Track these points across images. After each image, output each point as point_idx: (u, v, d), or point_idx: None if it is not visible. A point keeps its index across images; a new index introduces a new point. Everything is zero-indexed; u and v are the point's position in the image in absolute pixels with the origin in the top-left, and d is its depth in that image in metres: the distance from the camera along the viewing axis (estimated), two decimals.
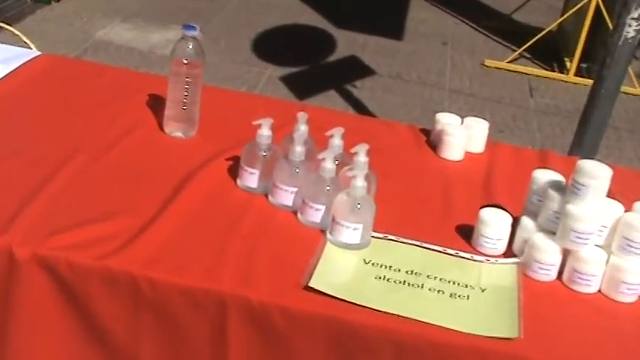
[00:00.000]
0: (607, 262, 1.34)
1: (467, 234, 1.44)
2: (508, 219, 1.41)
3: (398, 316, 1.21)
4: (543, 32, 4.41)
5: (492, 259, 1.39)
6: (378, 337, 1.19)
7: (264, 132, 1.44)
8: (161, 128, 1.64)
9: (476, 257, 1.39)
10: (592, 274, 1.33)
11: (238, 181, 1.49)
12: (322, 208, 1.38)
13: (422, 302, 1.25)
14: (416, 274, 1.31)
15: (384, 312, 1.21)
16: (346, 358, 1.20)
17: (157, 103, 1.69)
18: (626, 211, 1.38)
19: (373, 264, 1.32)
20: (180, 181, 1.46)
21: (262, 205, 1.44)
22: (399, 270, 1.31)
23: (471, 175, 1.68)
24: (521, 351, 1.18)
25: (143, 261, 1.24)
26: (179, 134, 1.63)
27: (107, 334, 1.25)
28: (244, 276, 1.24)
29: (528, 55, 4.52)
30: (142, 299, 1.22)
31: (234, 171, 1.50)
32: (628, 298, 1.33)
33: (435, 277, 1.31)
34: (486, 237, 1.40)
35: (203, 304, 1.21)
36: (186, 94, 1.58)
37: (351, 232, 1.34)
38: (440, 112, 1.83)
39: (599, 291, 1.35)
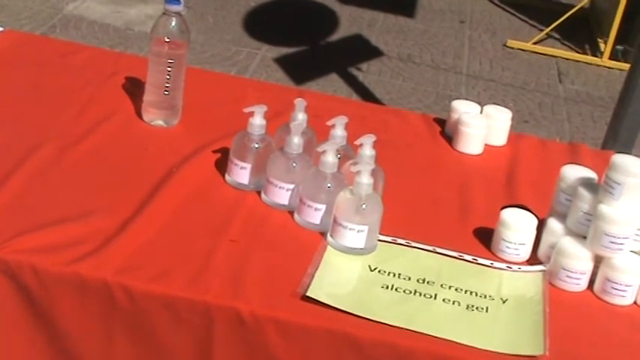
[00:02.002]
0: None
1: (486, 238, 1.44)
2: (533, 221, 1.42)
3: (407, 330, 1.21)
4: (574, 9, 4.40)
5: (515, 267, 1.39)
6: (384, 355, 1.19)
7: (257, 121, 1.45)
8: (139, 116, 1.64)
9: (496, 264, 1.39)
10: (627, 284, 1.34)
11: (227, 177, 1.49)
12: (322, 207, 1.38)
13: (435, 315, 1.25)
14: (428, 282, 1.32)
15: (392, 326, 1.21)
16: None
17: (135, 88, 1.70)
18: None
19: (380, 271, 1.32)
20: (161, 176, 1.46)
21: (254, 204, 1.44)
22: (409, 278, 1.32)
23: (491, 171, 1.69)
24: None
25: (119, 267, 1.24)
26: (160, 123, 1.63)
27: (76, 349, 1.25)
28: (234, 285, 1.24)
29: (557, 36, 4.53)
30: (116, 310, 1.22)
31: (222, 165, 1.50)
32: None
33: (450, 287, 1.31)
34: (508, 241, 1.40)
35: (186, 316, 1.21)
36: (168, 77, 1.58)
37: (355, 234, 1.34)
38: (456, 99, 1.84)
39: (635, 303, 1.36)
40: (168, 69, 1.57)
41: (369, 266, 1.33)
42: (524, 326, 1.25)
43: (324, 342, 1.21)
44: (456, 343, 1.20)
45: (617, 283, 1.33)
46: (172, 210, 1.38)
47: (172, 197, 1.41)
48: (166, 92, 1.60)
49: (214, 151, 1.55)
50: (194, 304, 1.21)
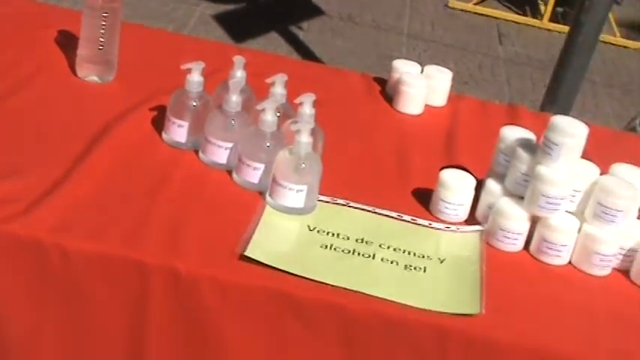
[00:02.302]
0: (579, 230, 1.37)
1: (425, 198, 1.45)
2: (471, 182, 1.42)
3: (346, 289, 1.21)
4: None
5: (453, 227, 1.40)
6: (323, 314, 1.20)
7: (195, 78, 1.43)
8: (73, 71, 1.62)
9: (434, 224, 1.40)
10: (562, 244, 1.36)
11: (164, 135, 1.47)
12: (261, 167, 1.37)
13: (373, 274, 1.25)
14: (367, 242, 1.32)
15: (331, 285, 1.22)
16: (285, 337, 1.21)
17: (67, 42, 1.67)
18: (601, 174, 1.40)
19: (319, 231, 1.33)
20: (95, 133, 1.44)
21: (192, 163, 1.43)
22: (348, 238, 1.32)
23: (430, 131, 1.70)
24: (483, 329, 1.20)
25: (52, 226, 1.22)
26: (94, 78, 1.61)
27: (5, 313, 1.22)
28: (170, 244, 1.23)
29: None
30: (49, 270, 1.20)
31: (159, 123, 1.49)
32: (601, 270, 1.36)
33: (389, 247, 1.32)
34: (447, 202, 1.41)
35: (121, 275, 1.20)
36: (102, 31, 1.56)
37: (294, 194, 1.34)
38: (397, 59, 1.84)
39: (570, 263, 1.38)
40: (103, 23, 1.55)
41: (308, 226, 1.33)
42: (461, 285, 1.26)
43: (263, 302, 1.20)
44: (394, 302, 1.21)
45: (552, 243, 1.35)
46: (108, 168, 1.36)
47: (107, 155, 1.39)
48: (101, 47, 1.57)
49: (151, 109, 1.53)
50: (129, 262, 1.19)
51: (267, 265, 1.22)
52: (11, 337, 1.22)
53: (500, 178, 1.42)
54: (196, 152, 1.45)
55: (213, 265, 1.22)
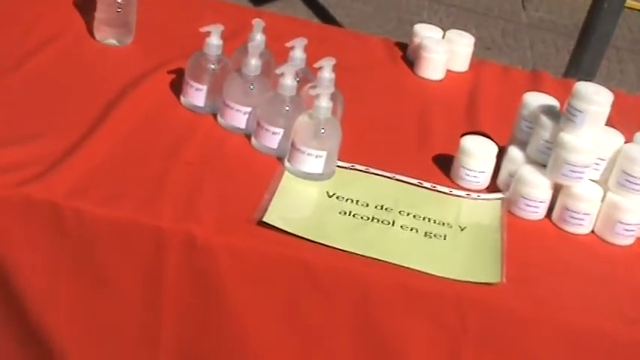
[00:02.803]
0: (603, 199, 1.36)
1: (446, 165, 1.44)
2: (493, 149, 1.41)
3: (364, 257, 1.21)
4: None
5: (474, 195, 1.39)
6: (341, 281, 1.20)
7: (214, 41, 1.42)
8: (91, 34, 1.61)
9: (455, 192, 1.39)
10: (585, 213, 1.35)
11: (182, 99, 1.47)
12: (280, 131, 1.37)
13: (392, 242, 1.25)
14: (386, 209, 1.31)
15: (349, 252, 1.21)
16: (303, 304, 1.21)
17: (86, 5, 1.65)
18: (626, 142, 1.39)
19: (338, 197, 1.32)
20: (113, 97, 1.43)
21: (210, 127, 1.42)
22: (367, 205, 1.31)
23: (452, 97, 1.68)
24: (504, 298, 1.19)
25: (68, 189, 1.21)
26: (112, 41, 1.60)
27: (18, 272, 1.21)
28: (187, 209, 1.22)
29: None
30: (65, 233, 1.19)
31: (177, 86, 1.48)
32: (624, 240, 1.36)
33: (409, 214, 1.31)
34: (468, 169, 1.40)
35: (137, 240, 1.19)
36: None
37: (313, 160, 1.33)
38: (418, 23, 1.82)
39: (593, 232, 1.37)
40: None
41: (327, 192, 1.32)
42: (481, 254, 1.26)
43: (279, 268, 1.20)
44: (414, 270, 1.20)
45: (575, 212, 1.34)
46: (125, 132, 1.36)
47: (125, 119, 1.38)
48: (119, 9, 1.57)
49: (169, 72, 1.52)
50: (145, 227, 1.18)
51: (284, 232, 1.21)
52: (27, 299, 1.21)
53: (523, 145, 1.41)
54: (214, 116, 1.44)
55: (229, 231, 1.20)
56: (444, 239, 1.27)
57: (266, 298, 1.20)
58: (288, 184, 1.32)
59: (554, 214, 1.37)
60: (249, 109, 1.40)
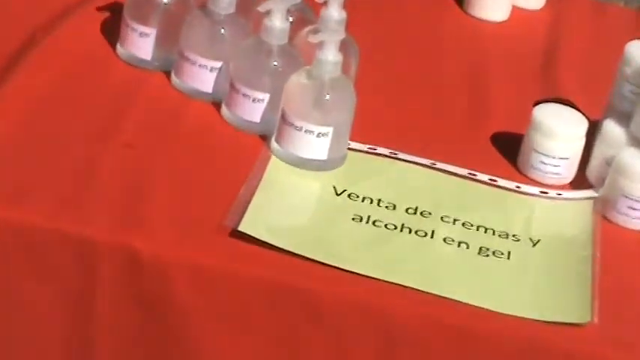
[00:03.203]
0: None
1: (510, 149, 1.38)
2: (581, 124, 1.35)
3: (389, 283, 1.12)
4: None
5: (552, 192, 1.33)
6: (356, 319, 1.12)
7: None
8: None
9: (525, 188, 1.32)
10: None
11: (119, 49, 1.41)
12: (265, 97, 1.29)
13: (431, 262, 1.17)
14: (422, 214, 1.24)
15: (366, 276, 1.12)
16: (300, 350, 1.15)
17: None
18: None
19: (350, 196, 1.24)
20: (16, 47, 1.39)
21: (160, 92, 1.37)
22: (394, 207, 1.24)
23: (519, 46, 1.66)
24: (596, 346, 1.11)
25: None
26: None
27: None
28: (128, 214, 1.15)
29: None
30: None
31: (111, 30, 1.43)
32: None
33: (455, 221, 1.23)
34: (543, 154, 1.32)
35: (55, 256, 1.14)
36: None
37: (313, 140, 1.26)
38: None
39: None
40: None
41: (334, 188, 1.25)
42: (563, 280, 1.18)
43: (263, 300, 1.12)
44: (462, 304, 1.12)
45: None
46: (35, 99, 1.30)
47: (34, 80, 1.33)
48: None
49: (99, 9, 1.47)
50: (67, 239, 1.12)
51: (270, 246, 1.13)
52: None
53: (624, 119, 1.34)
54: (167, 75, 1.38)
55: (189, 245, 1.13)
56: (508, 258, 1.19)
57: (244, 339, 1.15)
58: (276, 175, 1.26)
59: None
60: (218, 65, 1.34)
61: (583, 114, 1.37)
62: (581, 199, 1.32)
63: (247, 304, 1.12)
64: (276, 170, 1.26)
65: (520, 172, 1.34)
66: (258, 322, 1.13)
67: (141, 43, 1.38)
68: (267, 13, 1.27)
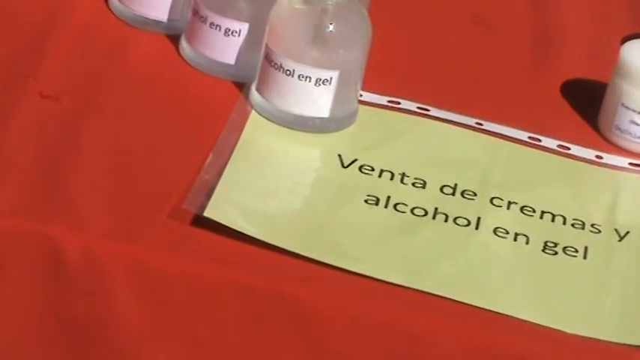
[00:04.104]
0: None
1: (588, 103, 1.37)
2: None
3: (416, 291, 1.11)
4: None
5: None
6: (368, 342, 1.11)
7: None
8: None
9: (609, 158, 1.32)
10: None
11: None
12: (242, 28, 1.28)
13: (475, 263, 1.16)
14: (464, 194, 1.23)
15: (386, 282, 1.11)
16: None
17: None
18: None
19: (362, 168, 1.24)
20: None
21: (95, 19, 1.37)
22: (424, 184, 1.23)
23: None
24: None
25: None
26: None
27: None
28: (52, 193, 1.14)
29: None
30: None
31: None
32: None
33: (511, 204, 1.22)
34: (635, 111, 1.31)
35: None
36: None
37: (310, 89, 1.25)
38: None
39: None
40: None
41: (340, 157, 1.25)
42: None
43: (236, 311, 1.12)
44: (518, 321, 1.10)
45: None
46: None
47: None
48: None
49: None
50: None
51: (247, 238, 1.12)
52: None
53: None
54: None
55: (132, 237, 1.12)
56: (584, 258, 1.18)
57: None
58: (257, 139, 1.27)
59: None
60: None
61: None
62: None
63: (214, 317, 1.11)
64: (257, 131, 1.25)
65: (602, 136, 1.34)
66: (228, 340, 1.12)
67: None
68: None
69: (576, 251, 1.17)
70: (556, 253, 1.17)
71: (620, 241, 1.20)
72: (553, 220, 1.21)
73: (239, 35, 1.29)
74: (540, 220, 1.21)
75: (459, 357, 1.10)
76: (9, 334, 1.17)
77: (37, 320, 1.15)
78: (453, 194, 1.22)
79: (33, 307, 1.14)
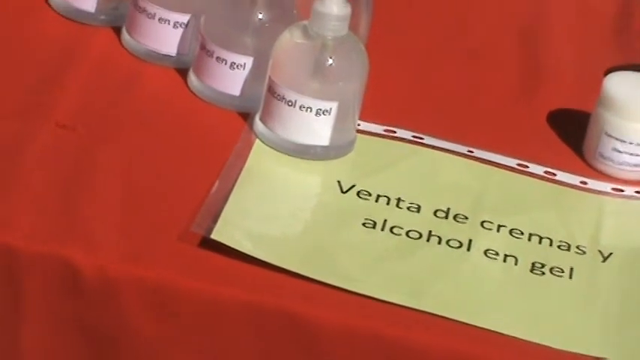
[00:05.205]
0: None
1: (574, 132, 1.38)
2: None
3: (412, 310, 1.11)
4: None
5: (629, 190, 1.33)
6: (367, 358, 1.11)
7: None
8: None
9: (593, 184, 1.32)
10: None
11: None
12: (247, 62, 1.28)
13: (467, 283, 1.16)
14: (457, 218, 1.23)
15: (383, 301, 1.11)
16: None
17: None
18: None
19: (360, 194, 1.24)
20: None
21: (108, 53, 1.37)
22: (419, 208, 1.23)
23: None
24: None
25: None
26: None
27: None
28: (64, 216, 1.14)
29: None
30: None
31: None
32: None
33: (500, 227, 1.22)
34: (618, 139, 1.31)
35: None
36: None
37: (311, 119, 1.25)
38: None
39: None
40: None
41: (339, 183, 1.25)
42: None
43: (242, 328, 1.11)
44: (509, 338, 1.10)
45: None
46: None
47: None
48: None
49: None
50: None
51: (252, 259, 1.12)
52: None
53: None
54: (117, 32, 1.38)
55: (144, 258, 1.11)
56: (570, 277, 1.18)
57: None
58: (261, 166, 1.26)
59: None
60: (184, 18, 1.33)
61: None
62: None
63: (222, 334, 1.11)
64: (261, 159, 1.25)
65: (586, 163, 1.34)
66: (235, 356, 1.12)
67: None
68: None
69: (562, 271, 1.18)
70: (543, 273, 1.17)
71: (603, 261, 1.21)
72: (540, 242, 1.21)
73: (244, 68, 1.29)
74: (528, 242, 1.21)
75: None
76: (32, 344, 1.17)
77: (57, 331, 1.16)
78: (446, 218, 1.22)
79: (52, 320, 1.15)
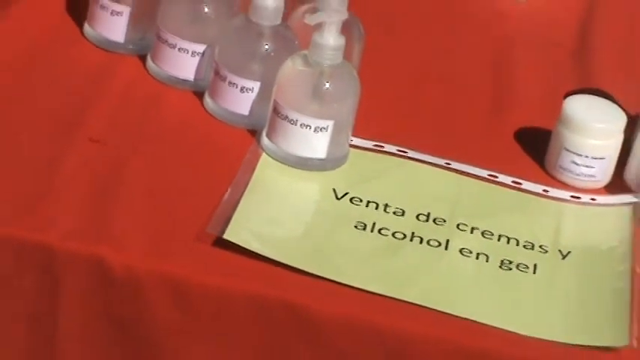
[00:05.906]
0: None
1: (537, 147, 1.40)
2: (619, 118, 1.37)
3: (397, 301, 1.14)
4: None
5: (585, 197, 1.35)
6: (359, 343, 1.14)
7: None
8: None
9: (554, 192, 1.35)
10: None
11: (87, 28, 1.44)
12: (255, 86, 1.32)
13: (446, 277, 1.19)
14: (436, 221, 1.26)
15: (372, 293, 1.15)
16: None
17: None
18: None
19: (353, 200, 1.27)
20: None
21: (135, 78, 1.40)
22: (403, 213, 1.26)
23: (549, 29, 1.69)
24: None
25: None
26: None
27: None
28: (96, 219, 1.17)
29: None
30: None
31: (78, 7, 1.47)
32: None
33: (474, 229, 1.26)
34: (575, 153, 1.34)
35: (10, 266, 1.16)
36: None
37: (310, 135, 1.28)
38: None
39: None
40: None
41: (335, 191, 1.28)
42: (597, 298, 1.21)
43: (251, 318, 1.14)
44: (480, 325, 1.14)
45: None
46: None
47: None
48: None
49: None
50: (23, 248, 1.14)
51: (260, 257, 1.15)
52: None
53: None
54: (142, 59, 1.41)
55: (166, 256, 1.15)
56: (534, 273, 1.22)
57: None
58: (267, 176, 1.29)
59: None
60: (201, 48, 1.36)
61: (621, 107, 1.39)
62: (618, 204, 1.34)
63: (234, 323, 1.15)
64: (267, 170, 1.29)
65: (548, 174, 1.38)
66: (245, 342, 1.16)
67: (112, 23, 1.40)
68: None
69: (527, 267, 1.22)
70: (511, 269, 1.22)
71: (563, 259, 1.25)
72: (508, 242, 1.25)
73: (252, 92, 1.33)
74: (498, 242, 1.25)
75: (432, 353, 1.13)
76: (68, 332, 1.19)
77: (89, 320, 1.18)
78: (427, 221, 1.26)
79: (85, 310, 1.17)
